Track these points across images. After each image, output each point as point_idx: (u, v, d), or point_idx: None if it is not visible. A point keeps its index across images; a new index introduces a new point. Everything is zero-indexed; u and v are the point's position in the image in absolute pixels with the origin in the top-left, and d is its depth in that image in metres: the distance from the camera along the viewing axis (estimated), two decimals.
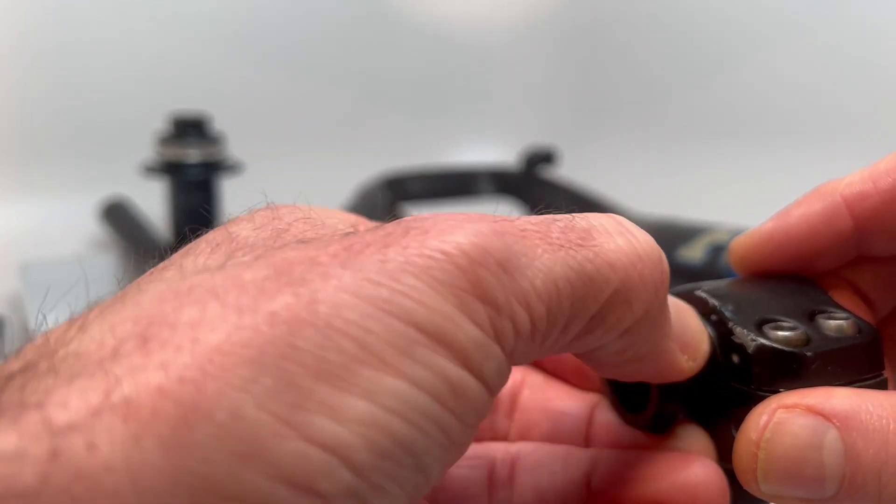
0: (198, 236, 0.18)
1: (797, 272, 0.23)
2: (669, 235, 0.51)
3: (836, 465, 0.17)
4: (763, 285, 0.22)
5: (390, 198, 0.67)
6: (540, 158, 0.74)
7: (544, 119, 1.05)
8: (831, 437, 0.17)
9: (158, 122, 0.62)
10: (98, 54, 0.85)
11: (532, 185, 0.75)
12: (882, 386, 0.20)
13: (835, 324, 0.20)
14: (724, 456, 0.20)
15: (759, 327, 0.20)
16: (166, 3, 0.88)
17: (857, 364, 0.19)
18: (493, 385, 0.15)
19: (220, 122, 0.63)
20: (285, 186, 0.94)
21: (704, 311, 0.21)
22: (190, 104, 0.68)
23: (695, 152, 0.93)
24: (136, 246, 0.62)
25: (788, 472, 0.17)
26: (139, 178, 0.62)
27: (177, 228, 0.61)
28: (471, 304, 0.15)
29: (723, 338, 0.20)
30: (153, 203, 0.69)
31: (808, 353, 0.19)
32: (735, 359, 0.20)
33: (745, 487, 0.18)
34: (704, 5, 0.95)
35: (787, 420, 0.18)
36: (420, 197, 0.76)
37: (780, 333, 0.19)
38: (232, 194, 0.67)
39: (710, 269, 0.47)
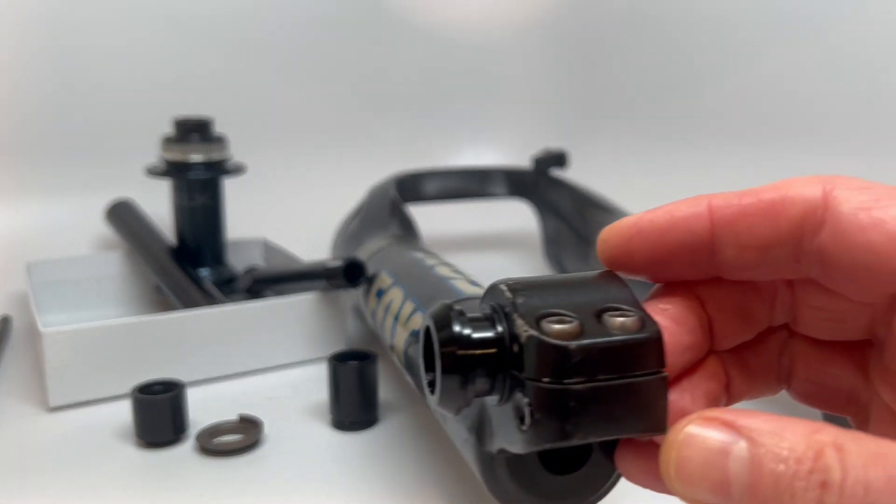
0: None
1: (654, 274, 0.23)
2: None
3: (741, 473, 0.18)
4: (570, 280, 0.23)
5: (401, 197, 0.68)
6: (552, 160, 0.75)
7: (545, 120, 1.06)
8: (739, 447, 0.18)
9: (163, 126, 0.63)
10: (103, 60, 0.86)
11: (543, 186, 0.75)
12: (660, 384, 0.20)
13: (619, 321, 0.21)
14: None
15: (538, 320, 0.21)
16: (170, 10, 0.89)
17: (632, 360, 0.20)
18: None
19: (223, 125, 0.64)
20: (286, 187, 0.95)
21: (500, 302, 0.22)
22: (193, 108, 0.69)
23: (695, 153, 0.93)
24: (141, 246, 0.63)
25: (699, 477, 0.19)
26: (144, 179, 0.63)
27: (181, 229, 0.62)
28: None
29: (509, 328, 0.21)
30: (158, 204, 0.70)
31: (572, 346, 0.20)
32: (515, 348, 0.21)
33: (667, 486, 0.20)
34: (706, 7, 0.95)
35: (701, 429, 0.19)
36: (433, 197, 0.77)
37: (554, 326, 0.20)
38: (234, 195, 0.68)
39: None
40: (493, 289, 0.22)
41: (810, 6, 0.86)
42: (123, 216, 0.68)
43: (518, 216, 0.84)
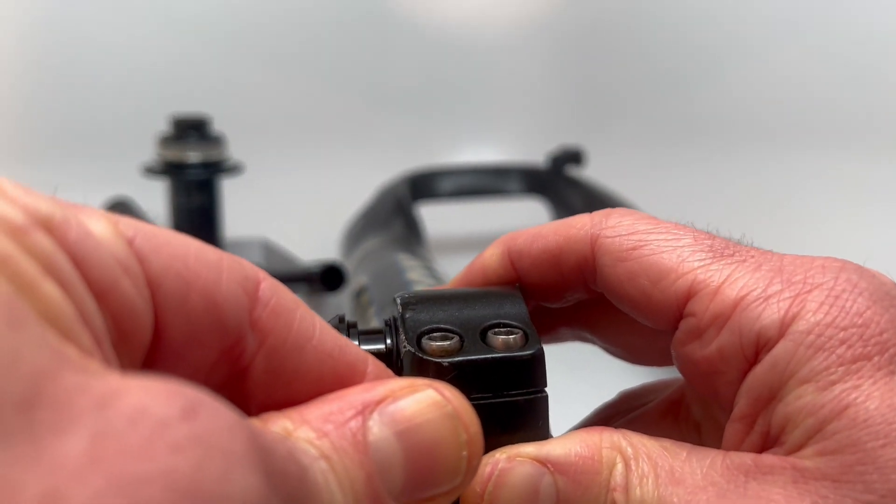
0: None
1: (551, 285, 0.23)
2: None
3: None
4: (466, 295, 0.22)
5: (414, 196, 0.67)
6: (567, 158, 0.75)
7: (552, 119, 1.06)
8: (546, 482, 0.18)
9: (160, 124, 0.63)
10: (100, 58, 0.86)
11: (559, 184, 0.75)
12: (541, 403, 0.20)
13: (501, 339, 0.20)
14: None
15: (420, 336, 0.20)
16: (167, 7, 0.89)
17: (511, 378, 0.20)
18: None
19: (223, 124, 0.64)
20: (287, 186, 0.95)
21: (394, 314, 0.22)
22: (191, 106, 0.69)
23: (709, 152, 0.93)
24: None
25: None
26: (141, 178, 0.63)
27: (178, 228, 0.62)
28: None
29: (396, 343, 0.21)
30: (156, 203, 0.70)
31: (444, 363, 0.20)
32: (399, 364, 0.21)
33: None
34: (718, 4, 0.95)
35: (508, 470, 0.19)
36: (448, 195, 0.76)
37: (433, 343, 0.20)
38: (235, 194, 0.68)
39: None
40: (394, 301, 0.22)
41: (813, 9, 0.86)
42: (121, 215, 0.68)
43: (533, 214, 0.83)
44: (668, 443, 0.19)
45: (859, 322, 0.18)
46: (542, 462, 0.19)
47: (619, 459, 0.19)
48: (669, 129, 0.98)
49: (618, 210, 0.22)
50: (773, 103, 0.89)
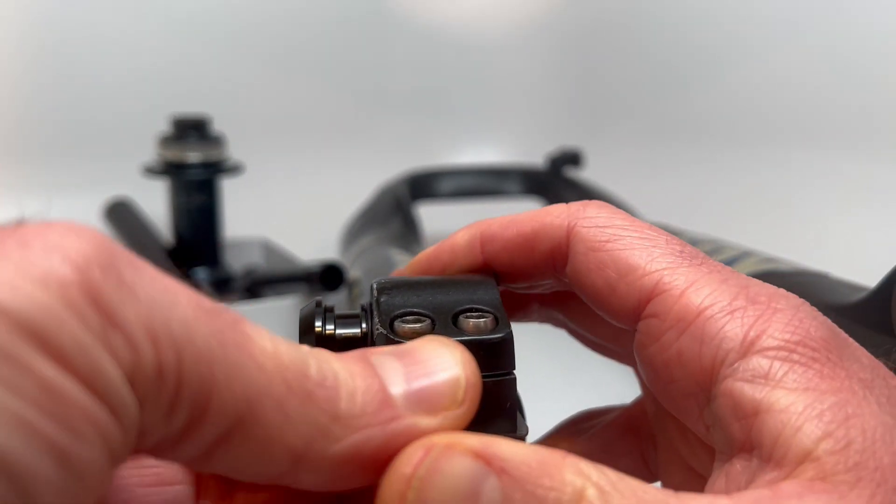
0: None
1: (525, 269, 0.24)
2: None
3: None
4: (440, 281, 0.23)
5: (414, 196, 0.68)
6: (566, 159, 0.75)
7: (551, 120, 1.06)
8: (490, 485, 0.16)
9: (160, 124, 0.63)
10: (101, 58, 0.86)
11: (558, 185, 0.75)
12: (510, 385, 0.20)
13: (472, 322, 0.21)
14: None
15: (393, 319, 0.21)
16: (167, 7, 0.89)
17: (480, 359, 0.19)
18: (110, 400, 0.14)
19: (223, 124, 0.64)
20: (287, 186, 0.95)
21: (369, 300, 0.22)
22: (191, 106, 0.69)
23: (708, 153, 0.93)
24: (137, 246, 0.63)
25: None
26: (141, 178, 0.63)
27: (178, 228, 0.62)
28: (79, 303, 0.13)
29: (371, 326, 0.22)
30: (156, 203, 0.70)
31: None
32: (373, 346, 0.21)
33: None
34: (718, 4, 0.95)
35: (445, 460, 0.16)
36: (447, 195, 0.76)
37: (405, 326, 0.20)
38: (235, 194, 0.68)
39: None
40: (370, 288, 0.23)
41: (815, 10, 0.86)
42: (122, 215, 0.68)
43: None
44: (648, 487, 0.17)
45: (825, 346, 0.18)
46: (488, 459, 0.16)
47: (589, 486, 0.16)
48: (668, 130, 0.98)
49: (594, 202, 0.22)
50: (773, 103, 0.89)
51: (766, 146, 0.89)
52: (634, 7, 1.01)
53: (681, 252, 0.21)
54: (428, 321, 0.21)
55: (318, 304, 0.22)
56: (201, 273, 0.61)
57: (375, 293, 0.22)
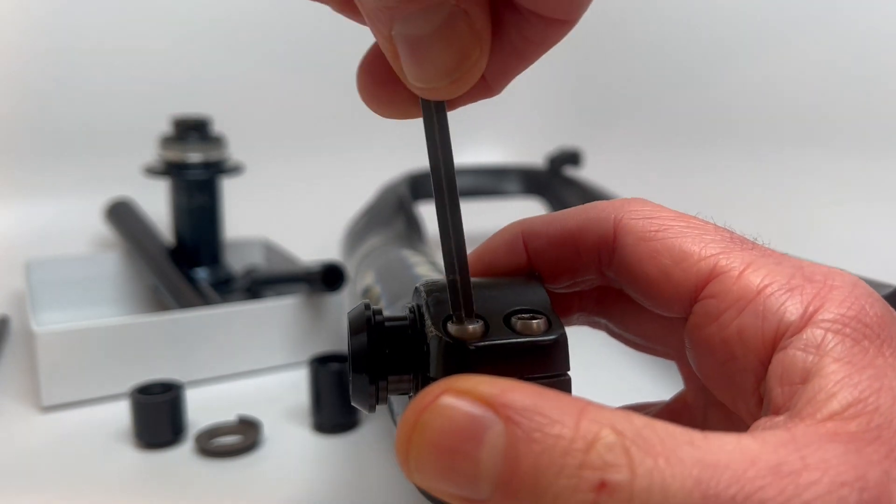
0: None
1: (563, 270, 0.24)
2: None
3: (492, 465, 0.15)
4: (489, 283, 0.23)
5: (415, 195, 0.67)
6: (565, 159, 0.75)
7: (552, 119, 1.06)
8: (495, 432, 0.15)
9: (161, 124, 0.63)
10: (101, 59, 0.86)
11: (557, 184, 0.75)
12: (563, 386, 0.20)
13: (523, 323, 0.21)
14: None
15: (446, 321, 0.21)
16: (169, 7, 0.89)
17: (534, 362, 0.20)
18: None
19: (223, 124, 0.64)
20: (287, 187, 0.95)
21: (418, 302, 0.22)
22: (192, 106, 0.69)
23: (708, 153, 0.93)
24: (138, 246, 0.63)
25: (439, 463, 0.16)
26: (142, 178, 0.63)
27: (178, 228, 0.62)
28: None
29: (422, 329, 0.22)
30: (156, 203, 0.70)
31: (471, 346, 0.20)
32: (425, 348, 0.21)
33: (405, 476, 0.16)
34: (721, 4, 0.95)
35: (450, 404, 0.16)
36: None
37: (457, 327, 0.20)
38: (235, 194, 0.68)
39: None
40: (416, 290, 0.23)
41: (815, 10, 0.86)
42: (122, 215, 0.68)
43: (532, 215, 0.83)
44: (675, 428, 0.16)
45: (878, 322, 0.19)
46: (496, 406, 0.15)
47: (609, 434, 0.15)
48: (667, 130, 0.98)
49: (637, 199, 0.23)
50: (773, 103, 0.89)
51: (765, 146, 0.89)
52: (634, 7, 1.01)
53: (731, 238, 0.21)
54: (481, 322, 0.21)
55: (367, 307, 0.22)
56: (201, 273, 0.61)
57: (425, 294, 0.22)
